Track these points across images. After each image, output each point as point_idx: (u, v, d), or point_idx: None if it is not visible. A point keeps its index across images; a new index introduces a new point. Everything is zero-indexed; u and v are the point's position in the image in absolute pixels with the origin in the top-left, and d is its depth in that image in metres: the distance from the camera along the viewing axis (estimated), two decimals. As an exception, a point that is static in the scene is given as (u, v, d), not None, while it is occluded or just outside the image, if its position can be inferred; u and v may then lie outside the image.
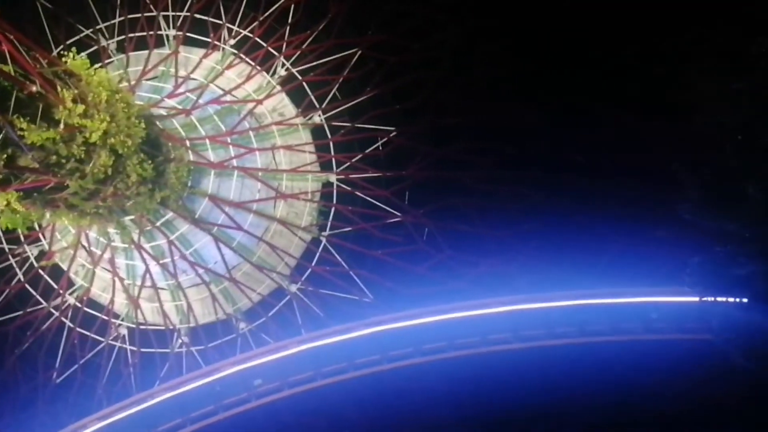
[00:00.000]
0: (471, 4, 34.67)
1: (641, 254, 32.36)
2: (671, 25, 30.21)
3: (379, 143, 35.73)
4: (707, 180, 15.21)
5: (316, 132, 36.30)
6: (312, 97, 35.92)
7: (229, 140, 34.83)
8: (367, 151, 35.76)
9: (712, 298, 15.71)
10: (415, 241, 35.38)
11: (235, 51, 35.82)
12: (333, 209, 35.96)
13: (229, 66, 35.76)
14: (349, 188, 35.60)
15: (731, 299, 14.95)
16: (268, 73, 36.15)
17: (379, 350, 31.41)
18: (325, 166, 36.01)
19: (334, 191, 35.80)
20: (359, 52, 35.46)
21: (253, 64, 35.83)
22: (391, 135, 35.57)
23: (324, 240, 35.90)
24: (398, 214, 35.33)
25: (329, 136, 35.89)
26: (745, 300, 14.20)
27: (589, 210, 34.20)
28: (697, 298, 17.20)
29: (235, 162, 34.88)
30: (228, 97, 35.35)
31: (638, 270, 31.62)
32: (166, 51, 36.01)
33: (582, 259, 33.09)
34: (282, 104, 36.04)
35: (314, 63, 35.87)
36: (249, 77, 35.73)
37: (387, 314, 31.89)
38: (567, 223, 34.31)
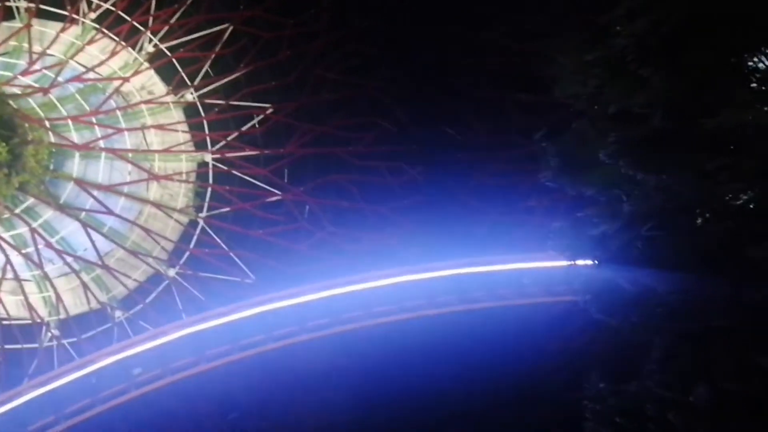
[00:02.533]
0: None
1: (515, 223, 33.83)
2: (534, 1, 31.46)
3: (256, 121, 35.05)
4: (565, 148, 16.02)
5: (189, 110, 35.03)
6: (183, 74, 34.58)
7: (94, 120, 32.97)
8: (243, 129, 35.00)
9: (572, 261, 16.65)
10: (296, 219, 35.14)
11: (97, 25, 33.77)
12: (210, 190, 34.99)
13: (91, 41, 33.68)
14: (225, 167, 34.73)
15: (588, 261, 15.88)
16: (134, 49, 34.38)
17: (263, 330, 31.12)
18: (200, 146, 34.89)
19: (210, 171, 34.80)
20: (231, 28, 34.49)
21: (117, 39, 33.94)
22: (268, 112, 34.97)
23: (202, 221, 34.90)
24: (278, 192, 34.90)
25: (203, 114, 34.76)
26: (597, 261, 15.12)
27: (465, 182, 35.23)
28: (561, 262, 18.20)
29: (102, 143, 33.11)
30: (91, 75, 33.37)
31: (512, 238, 33.05)
32: (17, 24, 33.37)
33: (460, 230, 34.13)
34: (151, 82, 34.48)
35: (184, 39, 34.51)
36: (113, 53, 33.85)
37: (270, 294, 31.60)
38: (445, 196, 35.17)
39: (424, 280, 31.89)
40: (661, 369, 14.87)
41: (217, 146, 34.83)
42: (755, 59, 13.82)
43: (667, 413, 13.36)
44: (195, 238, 34.92)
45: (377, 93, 35.64)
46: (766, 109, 13.37)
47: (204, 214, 35.02)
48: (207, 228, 35.00)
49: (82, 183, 32.37)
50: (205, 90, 34.68)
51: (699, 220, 14.27)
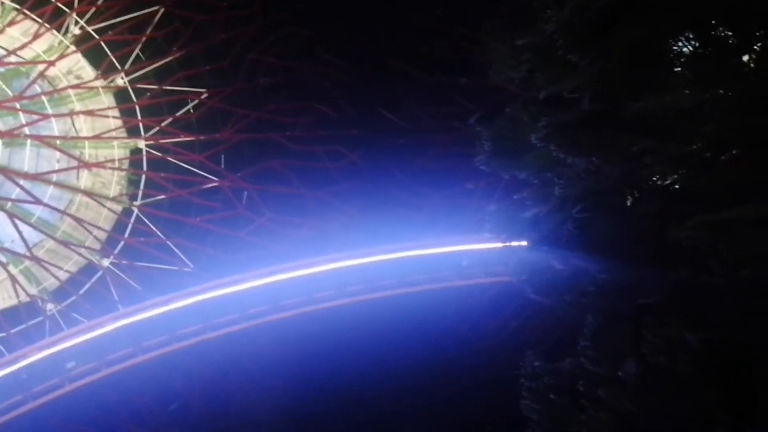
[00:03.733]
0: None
1: (454, 206, 34.18)
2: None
3: (190, 106, 34.23)
4: (498, 132, 16.19)
5: (120, 95, 33.91)
6: (112, 58, 33.41)
7: (18, 106, 31.55)
8: (177, 114, 34.11)
9: (507, 243, 16.93)
10: (235, 206, 34.58)
11: (17, 6, 32.19)
12: (144, 177, 34.05)
13: (12, 23, 32.12)
14: (160, 154, 33.83)
15: (523, 243, 16.16)
16: (59, 31, 32.98)
17: (202, 319, 30.67)
18: (132, 132, 33.87)
19: (144, 158, 33.84)
20: (163, 10, 33.44)
21: (40, 21, 32.47)
22: (203, 97, 34.19)
23: (136, 210, 33.96)
24: (215, 179, 34.24)
25: (134, 99, 33.70)
26: (531, 243, 15.41)
27: (404, 166, 35.32)
28: (498, 244, 18.49)
29: (27, 130, 31.74)
30: (13, 58, 31.87)
31: (452, 221, 33.41)
32: (-69, 5, 31.61)
33: (400, 214, 34.28)
34: (78, 66, 33.17)
35: (112, 21, 33.30)
36: (37, 36, 32.37)
37: (209, 282, 31.10)
38: (385, 181, 35.21)
39: (365, 265, 31.95)
40: (593, 346, 15.28)
41: (151, 132, 33.88)
42: (680, 44, 14.20)
43: (598, 389, 13.75)
44: (130, 227, 33.98)
45: (314, 77, 35.26)
46: (688, 92, 13.77)
47: (138, 202, 34.09)
48: (142, 216, 34.09)
49: (6, 171, 31.03)
50: (136, 74, 33.61)
51: (627, 202, 14.66)
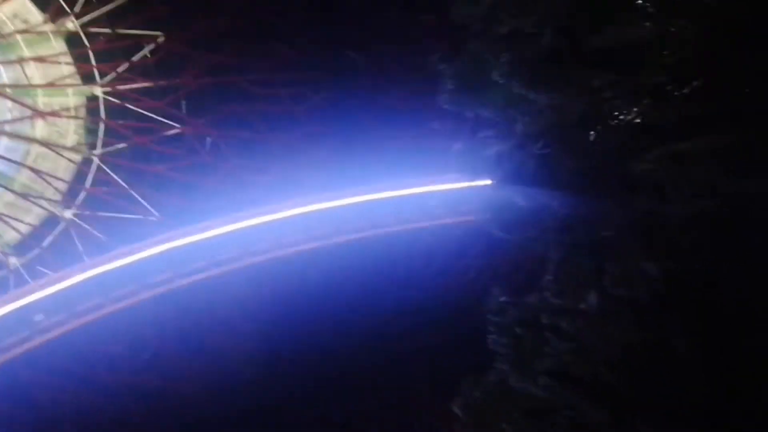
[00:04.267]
0: None
1: (421, 146, 34.05)
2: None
3: (147, 50, 33.11)
4: (460, 70, 16.03)
5: (72, 41, 32.58)
6: (61, 1, 31.99)
7: (-37, 54, 30.30)
8: (133, 59, 33.04)
9: (472, 181, 17.02)
10: (199, 153, 34.00)
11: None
12: (102, 125, 33.17)
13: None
14: (117, 101, 32.87)
15: (487, 180, 16.25)
16: (1, -28, 31.42)
17: (170, 268, 30.52)
18: (87, 79, 32.72)
19: (101, 105, 32.84)
20: (112, -52, 31.99)
21: (-21, -38, 30.89)
22: (159, 41, 33.07)
23: (96, 159, 33.18)
24: (177, 125, 33.48)
25: (87, 44, 32.49)
26: (495, 180, 15.50)
27: (370, 107, 34.96)
28: (463, 183, 18.58)
29: (-25, 79, 30.58)
30: (-46, 3, 30.41)
31: (419, 161, 33.34)
32: None
33: (367, 155, 34.09)
34: (25, 9, 31.60)
35: (58, -40, 31.80)
36: (-22, -22, 30.85)
37: (175, 230, 30.83)
38: (350, 122, 34.87)
39: (332, 208, 31.91)
40: (557, 280, 15.62)
41: (107, 78, 32.79)
42: (641, -24, 14.06)
43: (561, 321, 14.11)
44: (90, 176, 33.24)
45: (275, 17, 34.30)
46: (648, 25, 13.72)
47: (98, 151, 33.27)
48: (103, 166, 33.34)
49: (-43, 123, 30.02)
50: (87, 18, 32.26)
51: (589, 137, 14.73)
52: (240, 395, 30.18)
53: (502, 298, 16.95)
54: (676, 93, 14.13)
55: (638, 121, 13.99)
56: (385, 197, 32.53)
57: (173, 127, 33.49)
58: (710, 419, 12.72)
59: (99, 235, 33.32)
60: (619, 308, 13.61)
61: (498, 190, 15.67)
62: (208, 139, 34.15)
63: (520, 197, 15.41)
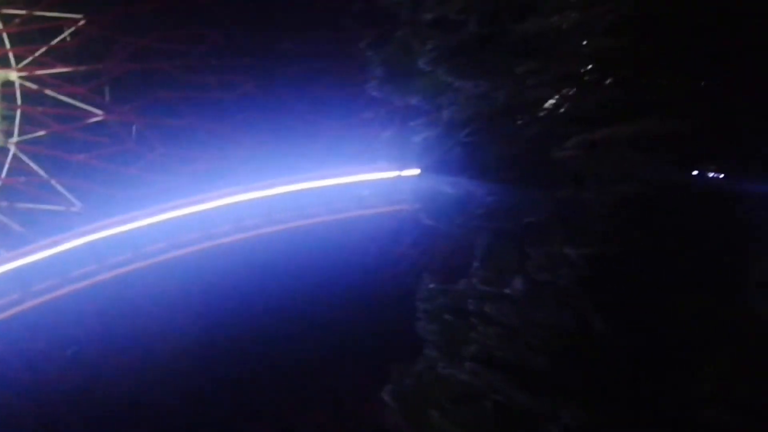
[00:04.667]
0: None
1: (354, 135, 33.92)
2: None
3: (67, 33, 31.75)
4: (388, 57, 15.97)
5: (-16, 23, 31.05)
6: (-29, -20, 30.38)
7: None
8: (52, 42, 31.64)
9: (401, 170, 17.06)
10: (123, 141, 32.88)
11: None
12: (19, 112, 31.66)
13: None
14: (36, 87, 31.45)
15: (416, 169, 16.29)
16: None
17: (94, 260, 29.56)
18: (2, 63, 31.20)
19: (17, 91, 31.36)
20: (27, -75, 30.51)
21: None
22: (80, 24, 31.75)
23: (13, 148, 31.68)
24: (100, 112, 32.30)
25: (0, 26, 30.89)
26: (422, 168, 15.56)
27: (301, 96, 34.59)
28: (394, 172, 18.59)
29: None
30: None
31: (352, 150, 33.22)
32: None
33: (299, 144, 33.74)
34: (-68, -12, 30.00)
35: (-31, -62, 30.13)
36: None
37: (99, 222, 29.83)
38: (282, 111, 34.42)
39: (263, 198, 31.47)
40: (483, 266, 15.83)
41: (23, 63, 31.31)
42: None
43: (486, 306, 14.30)
44: (7, 166, 31.71)
45: (204, 1, 33.44)
46: (571, 14, 13.96)
47: (15, 139, 31.75)
48: (20, 155, 31.87)
49: None
50: (0, -2, 30.74)
51: (513, 125, 14.94)
52: (165, 389, 29.51)
53: (431, 285, 17.10)
54: (597, 82, 14.46)
55: (559, 109, 14.27)
56: (317, 187, 32.27)
57: (96, 114, 32.31)
58: (629, 396, 13.14)
59: (17, 227, 31.90)
60: (542, 292, 13.88)
61: (426, 178, 15.73)
62: (134, 127, 33.08)
63: (447, 185, 15.51)
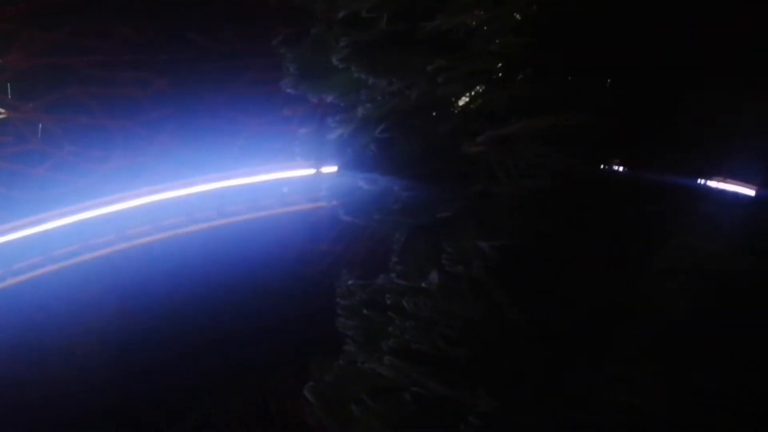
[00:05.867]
0: None
1: (271, 133, 33.68)
2: None
3: (-36, 26, 30.14)
4: (303, 54, 15.94)
5: None
6: None
7: None
8: (-53, 36, 29.96)
9: (318, 167, 17.09)
10: (29, 140, 31.48)
11: None
12: None
13: None
14: (-71, 83, 29.76)
15: (332, 166, 16.35)
16: None
17: (1, 265, 28.24)
18: None
19: None
20: None
21: None
22: (-20, 16, 30.21)
23: None
24: (2, 110, 30.80)
25: None
26: (338, 165, 15.64)
27: (218, 93, 34.08)
28: (311, 169, 18.57)
29: None
30: None
31: (270, 148, 32.98)
32: None
33: (216, 142, 33.25)
34: None
35: None
36: None
37: (3, 225, 28.50)
38: (197, 108, 33.83)
39: (180, 197, 30.86)
40: (401, 261, 16.06)
41: None
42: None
43: (403, 300, 14.53)
44: None
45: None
46: (479, 11, 14.30)
47: None
48: None
49: None
50: None
51: (425, 122, 15.20)
52: (78, 398, 28.49)
53: (351, 281, 17.20)
54: (507, 78, 14.88)
55: (470, 105, 14.62)
56: (236, 185, 31.89)
57: (-2, 112, 30.83)
58: (540, 381, 13.64)
59: None
60: (457, 285, 14.21)
61: (343, 175, 15.80)
62: (40, 126, 31.69)
63: (363, 181, 15.64)
